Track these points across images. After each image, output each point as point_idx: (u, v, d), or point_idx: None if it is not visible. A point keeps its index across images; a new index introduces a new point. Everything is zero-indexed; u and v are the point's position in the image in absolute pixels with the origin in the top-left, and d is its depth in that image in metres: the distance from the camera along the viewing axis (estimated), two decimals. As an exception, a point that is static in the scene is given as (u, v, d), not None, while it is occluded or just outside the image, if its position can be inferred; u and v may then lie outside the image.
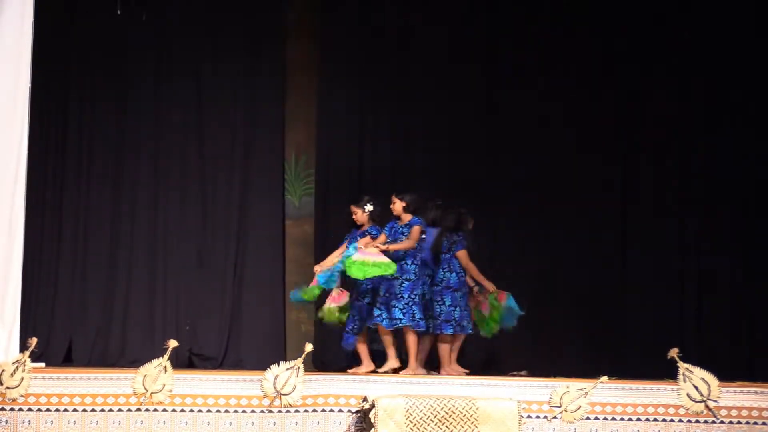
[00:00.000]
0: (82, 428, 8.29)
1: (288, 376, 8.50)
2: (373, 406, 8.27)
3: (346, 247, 9.36)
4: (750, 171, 10.82)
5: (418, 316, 9.24)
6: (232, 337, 10.26)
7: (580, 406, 8.70)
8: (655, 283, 10.84)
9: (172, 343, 8.60)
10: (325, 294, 9.52)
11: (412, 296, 9.26)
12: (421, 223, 9.41)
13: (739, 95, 10.87)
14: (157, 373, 8.44)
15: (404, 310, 9.20)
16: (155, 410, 8.39)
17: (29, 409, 8.27)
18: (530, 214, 10.89)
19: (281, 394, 8.48)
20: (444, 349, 9.54)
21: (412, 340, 9.30)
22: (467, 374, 9.42)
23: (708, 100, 10.96)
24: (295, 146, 11.23)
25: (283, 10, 10.90)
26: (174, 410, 8.41)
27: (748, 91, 10.83)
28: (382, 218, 9.61)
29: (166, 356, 8.51)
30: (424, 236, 9.41)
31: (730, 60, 10.86)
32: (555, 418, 8.69)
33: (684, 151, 11.00)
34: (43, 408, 8.28)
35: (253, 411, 8.47)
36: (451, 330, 9.48)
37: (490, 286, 9.65)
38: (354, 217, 9.60)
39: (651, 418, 8.76)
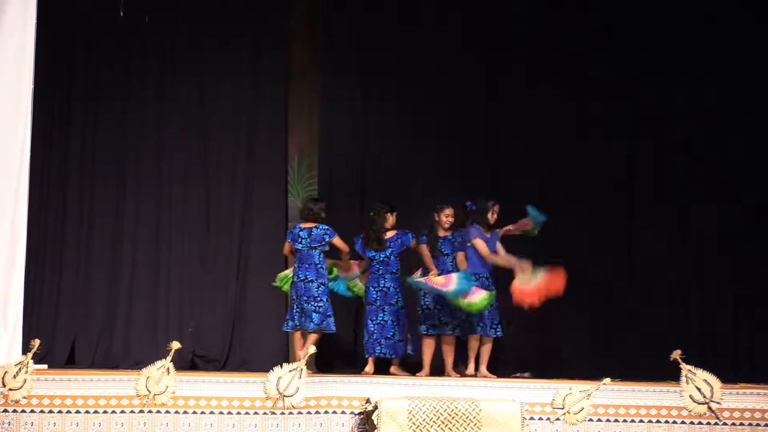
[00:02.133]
0: (84, 430, 8.29)
1: (291, 377, 8.50)
2: (376, 407, 8.27)
3: None
4: (752, 171, 10.81)
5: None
6: (235, 338, 10.25)
7: (582, 408, 8.70)
8: (657, 284, 10.82)
9: (175, 345, 8.61)
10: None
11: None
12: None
13: (742, 93, 10.88)
14: (160, 374, 8.43)
15: None
16: (158, 412, 8.39)
17: (32, 411, 8.27)
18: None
19: (284, 395, 8.47)
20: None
21: None
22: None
23: (709, 100, 10.97)
24: (298, 148, 11.24)
25: (286, 12, 10.89)
26: (177, 412, 8.41)
27: (752, 89, 10.84)
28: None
29: (169, 358, 8.51)
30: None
31: (735, 55, 10.86)
32: (558, 419, 8.69)
33: (688, 152, 10.99)
34: (46, 410, 8.28)
35: (256, 413, 8.47)
36: (424, 330, 9.60)
37: (434, 272, 9.56)
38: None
39: (654, 419, 8.77)
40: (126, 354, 9.94)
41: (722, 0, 10.88)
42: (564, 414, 8.69)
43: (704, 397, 8.80)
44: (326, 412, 8.53)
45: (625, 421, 8.75)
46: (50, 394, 8.30)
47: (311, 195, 10.88)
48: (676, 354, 8.89)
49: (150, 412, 8.38)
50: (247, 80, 10.64)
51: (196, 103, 10.55)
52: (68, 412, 8.29)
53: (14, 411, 8.26)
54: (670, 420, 8.77)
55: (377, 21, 11.03)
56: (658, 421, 8.76)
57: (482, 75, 11.11)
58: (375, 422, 8.20)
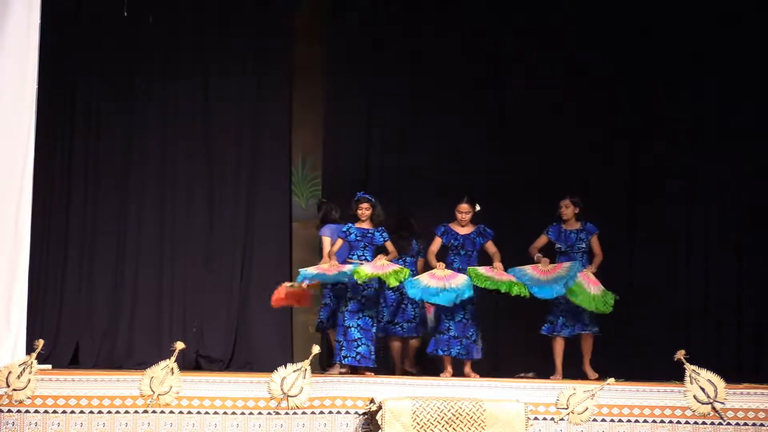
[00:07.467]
0: (88, 430, 8.29)
1: (295, 377, 8.50)
2: (380, 407, 8.27)
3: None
4: (755, 173, 10.80)
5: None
6: (239, 339, 10.24)
7: (587, 408, 8.70)
8: (661, 284, 10.82)
9: (179, 345, 8.62)
10: None
11: None
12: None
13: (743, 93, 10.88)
14: (164, 374, 8.44)
15: None
16: (162, 412, 8.39)
17: (36, 411, 8.27)
18: (538, 216, 10.84)
19: (288, 396, 8.48)
20: None
21: None
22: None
23: (710, 104, 10.96)
24: (302, 148, 11.25)
25: (291, 13, 10.89)
26: (181, 412, 8.41)
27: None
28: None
29: (173, 358, 8.51)
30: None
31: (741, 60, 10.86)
32: (562, 419, 8.70)
33: (690, 154, 10.98)
34: (50, 410, 8.29)
35: (260, 413, 8.47)
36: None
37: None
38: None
39: (658, 419, 8.78)
40: (130, 354, 9.92)
41: (724, 1, 10.87)
42: (568, 414, 8.69)
43: (708, 397, 8.80)
44: (330, 413, 8.54)
45: (629, 421, 8.75)
46: (54, 394, 8.31)
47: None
48: (680, 354, 8.90)
49: (154, 412, 8.38)
50: (251, 80, 10.63)
51: (200, 104, 10.53)
52: (72, 412, 8.30)
53: (18, 411, 8.26)
54: (674, 420, 8.78)
55: (381, 22, 11.05)
56: (662, 421, 8.76)
57: (488, 77, 11.12)
58: (379, 422, 8.21)
